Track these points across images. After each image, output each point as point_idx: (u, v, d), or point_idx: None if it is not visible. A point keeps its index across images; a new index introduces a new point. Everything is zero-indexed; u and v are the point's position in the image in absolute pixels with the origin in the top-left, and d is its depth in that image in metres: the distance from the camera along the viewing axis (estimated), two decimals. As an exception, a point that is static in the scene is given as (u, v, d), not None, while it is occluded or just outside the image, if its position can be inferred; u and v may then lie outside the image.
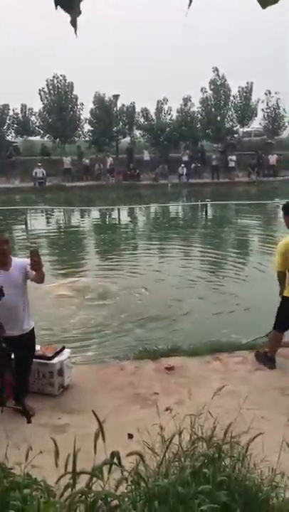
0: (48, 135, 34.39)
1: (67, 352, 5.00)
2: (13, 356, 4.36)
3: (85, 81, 52.39)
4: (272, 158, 30.92)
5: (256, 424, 3.06)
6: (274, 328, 5.33)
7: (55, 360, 4.77)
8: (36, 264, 4.06)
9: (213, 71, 33.75)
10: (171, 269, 10.85)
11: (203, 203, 19.83)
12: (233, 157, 30.34)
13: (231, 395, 4.24)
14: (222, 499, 2.04)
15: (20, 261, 4.39)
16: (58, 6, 1.11)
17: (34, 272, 4.19)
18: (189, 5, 1.26)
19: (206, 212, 19.00)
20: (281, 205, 5.41)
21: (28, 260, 4.20)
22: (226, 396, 4.09)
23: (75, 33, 1.15)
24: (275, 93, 35.05)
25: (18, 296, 4.30)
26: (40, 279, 4.29)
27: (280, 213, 5.59)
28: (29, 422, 4.08)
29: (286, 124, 37.00)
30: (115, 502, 1.92)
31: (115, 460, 1.96)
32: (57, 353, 4.87)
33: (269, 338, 5.50)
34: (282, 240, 5.29)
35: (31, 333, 4.53)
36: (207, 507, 1.95)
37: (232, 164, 30.21)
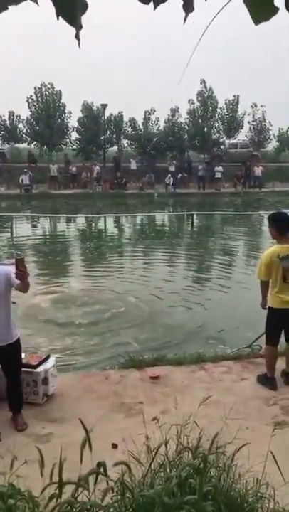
0: (35, 142, 34.35)
1: (52, 360, 4.96)
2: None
3: (73, 90, 52.56)
4: (258, 170, 31.29)
5: (241, 435, 3.07)
6: (266, 344, 5.23)
7: (40, 369, 4.72)
8: (22, 273, 3.96)
9: (201, 83, 34.21)
10: (157, 278, 10.85)
11: (189, 213, 19.92)
12: (220, 168, 30.62)
13: (216, 404, 4.25)
14: (208, 510, 2.04)
15: (2, 268, 4.22)
16: (60, 17, 1.12)
17: (18, 281, 4.05)
18: (184, 20, 1.28)
19: (192, 222, 19.10)
20: (266, 216, 5.42)
21: (11, 268, 4.06)
22: (212, 406, 4.10)
23: (79, 46, 1.17)
24: (261, 106, 35.65)
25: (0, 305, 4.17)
26: (24, 288, 4.12)
27: (265, 223, 5.62)
28: None
29: (271, 136, 37.65)
30: (101, 512, 1.91)
31: (102, 470, 1.95)
32: (42, 362, 4.82)
33: (264, 355, 5.37)
34: (267, 250, 5.32)
35: (15, 344, 4.35)
36: (193, 517, 1.94)
37: (218, 175, 30.48)
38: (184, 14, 1.30)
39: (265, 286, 5.12)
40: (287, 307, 4.97)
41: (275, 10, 1.17)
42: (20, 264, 3.91)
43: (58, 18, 1.12)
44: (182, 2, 1.29)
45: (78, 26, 1.15)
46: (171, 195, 28.61)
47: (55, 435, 4.08)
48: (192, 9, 1.29)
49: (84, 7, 1.13)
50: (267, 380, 5.11)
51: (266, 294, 5.13)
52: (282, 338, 5.21)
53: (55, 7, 1.10)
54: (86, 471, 2.00)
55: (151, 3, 1.22)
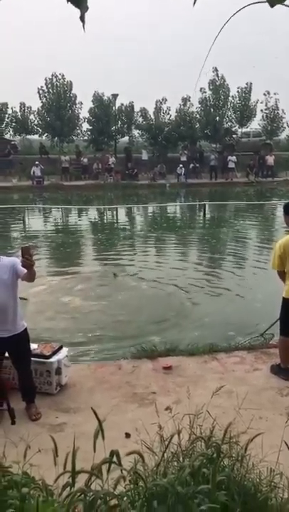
0: (46, 134, 34.31)
1: (65, 351, 4.98)
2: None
3: (84, 80, 52.43)
4: (271, 159, 30.96)
5: (255, 425, 3.06)
6: (281, 334, 5.19)
7: (53, 359, 4.75)
8: (28, 261, 3.96)
9: (213, 71, 33.79)
10: (169, 268, 10.83)
11: (201, 203, 19.82)
12: (233, 158, 30.33)
13: (229, 394, 4.24)
14: (221, 499, 2.03)
15: (8, 260, 4.22)
16: (69, 2, 1.10)
17: (25, 271, 4.02)
18: (194, 4, 1.25)
19: (204, 212, 19.00)
20: (279, 206, 5.36)
21: (17, 259, 4.06)
22: (224, 396, 4.09)
23: (83, 28, 1.15)
24: (274, 94, 35.12)
25: (6, 296, 4.14)
26: (31, 277, 4.09)
27: (279, 213, 5.56)
28: (13, 423, 4.01)
29: (284, 125, 37.12)
30: (114, 501, 1.91)
31: (115, 459, 1.95)
32: (55, 352, 4.85)
33: (278, 345, 5.33)
34: (279, 239, 5.26)
35: (23, 335, 4.34)
36: (206, 507, 1.94)
37: (231, 165, 30.19)
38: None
39: (282, 275, 5.07)
40: None
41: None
42: (25, 252, 3.91)
43: (67, 2, 1.10)
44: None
45: (84, 8, 1.12)
46: (183, 186, 28.47)
47: (69, 425, 4.11)
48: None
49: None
50: (281, 370, 5.08)
51: (284, 280, 5.07)
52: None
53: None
54: (99, 460, 2.01)
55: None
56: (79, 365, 5.55)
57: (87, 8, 1.14)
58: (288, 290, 5.01)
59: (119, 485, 1.98)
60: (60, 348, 4.98)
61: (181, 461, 2.30)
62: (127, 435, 3.79)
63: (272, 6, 1.14)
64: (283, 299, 5.08)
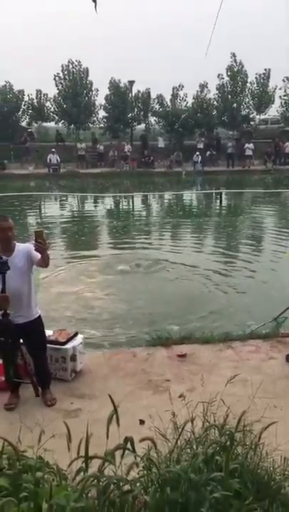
0: (62, 121, 34.21)
1: (80, 337, 5.02)
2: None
3: (100, 67, 51.95)
4: (289, 147, 30.45)
5: (269, 413, 3.05)
6: None
7: (68, 346, 4.79)
8: (41, 245, 3.96)
9: (231, 57, 33.23)
10: (186, 257, 10.79)
11: (217, 191, 19.65)
12: (251, 145, 29.91)
13: (244, 383, 4.22)
14: (234, 487, 2.04)
15: (23, 246, 4.24)
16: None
17: (39, 256, 4.05)
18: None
19: (221, 200, 18.84)
20: None
21: (31, 245, 4.07)
22: (239, 384, 4.08)
23: (95, 9, 1.13)
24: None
25: (21, 282, 4.17)
26: (45, 262, 4.12)
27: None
28: (37, 395, 4.19)
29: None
30: (127, 487, 1.93)
31: (128, 445, 1.96)
32: (70, 339, 4.88)
33: None
34: None
35: (37, 321, 4.38)
36: (219, 494, 1.94)
37: (249, 152, 29.77)
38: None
39: None
40: None
41: None
42: (39, 237, 3.92)
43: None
44: None
45: None
46: (200, 174, 28.22)
47: (84, 411, 4.15)
48: None
49: None
50: None
51: None
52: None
53: None
54: (113, 446, 2.02)
55: None
56: (94, 352, 5.59)
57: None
58: None
59: (132, 471, 1.99)
60: (76, 334, 5.02)
61: (195, 448, 2.31)
62: (141, 422, 3.81)
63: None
64: None
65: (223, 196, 19.18)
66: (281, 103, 34.88)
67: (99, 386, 4.60)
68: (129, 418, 3.68)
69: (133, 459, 2.02)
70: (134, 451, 2.00)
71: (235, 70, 33.37)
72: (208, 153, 30.62)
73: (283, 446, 2.49)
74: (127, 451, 2.02)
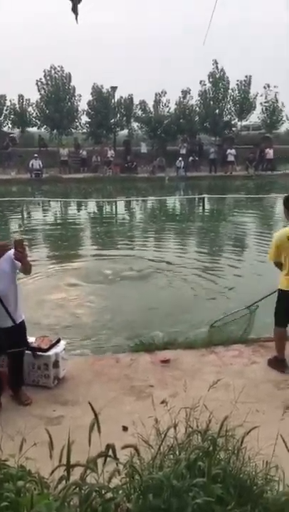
0: (45, 126, 34.13)
1: (62, 344, 4.99)
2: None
3: (83, 72, 52.00)
4: (270, 152, 30.86)
5: (251, 418, 3.06)
6: (275, 325, 5.25)
7: (51, 352, 4.75)
8: (20, 253, 3.99)
9: (213, 64, 33.61)
10: (170, 261, 10.81)
11: (200, 196, 19.77)
12: (233, 151, 30.23)
13: (226, 388, 4.24)
14: (217, 492, 2.04)
15: (8, 252, 4.27)
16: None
17: (20, 263, 4.14)
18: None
19: (204, 205, 18.97)
20: (279, 199, 5.38)
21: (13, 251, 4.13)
22: (221, 389, 4.10)
23: (76, 20, 1.14)
24: (274, 87, 34.92)
25: (8, 286, 4.24)
26: (26, 269, 4.24)
27: (278, 207, 5.56)
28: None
29: (284, 118, 36.95)
30: (109, 494, 1.92)
31: (110, 453, 1.95)
32: (52, 345, 4.85)
33: (274, 337, 5.37)
34: (279, 231, 5.29)
35: (20, 326, 4.44)
36: (201, 500, 1.94)
37: (231, 158, 30.09)
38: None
39: (279, 265, 5.13)
40: None
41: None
42: (18, 245, 3.94)
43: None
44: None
45: (76, 0, 1.11)
46: (182, 179, 28.37)
47: (66, 418, 4.12)
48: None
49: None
50: (277, 363, 5.13)
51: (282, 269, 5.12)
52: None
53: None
54: (96, 453, 2.01)
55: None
56: (77, 358, 5.57)
57: (79, 0, 1.12)
58: (283, 281, 5.08)
59: (114, 478, 1.98)
60: (58, 341, 4.99)
61: (177, 454, 2.31)
62: (124, 428, 3.80)
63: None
64: (278, 290, 5.15)
65: (206, 201, 19.31)
66: (262, 109, 35.45)
67: (82, 392, 4.58)
68: (112, 424, 3.66)
69: (115, 466, 2.01)
70: (116, 458, 1.99)
71: (217, 76, 33.75)
72: (190, 158, 30.85)
73: (265, 451, 2.50)
74: (109, 459, 2.01)
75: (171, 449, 2.36)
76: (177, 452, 2.34)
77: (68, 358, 5.10)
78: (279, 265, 5.12)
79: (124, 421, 3.86)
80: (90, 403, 2.14)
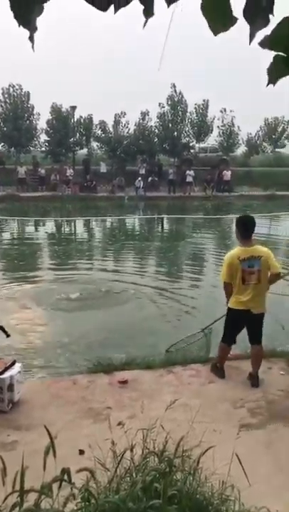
0: (2, 144, 33.81)
1: (18, 366, 4.87)
2: None
3: (41, 91, 51.86)
4: (228, 174, 31.71)
5: (208, 437, 3.09)
6: (221, 341, 5.47)
7: (5, 375, 4.64)
8: None
9: (171, 87, 34.45)
10: (126, 281, 10.83)
11: (159, 216, 20.02)
12: (191, 172, 30.87)
13: (184, 407, 4.26)
14: (172, 514, 2.04)
15: None
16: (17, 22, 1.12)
17: None
18: (144, 25, 1.29)
19: (162, 225, 19.20)
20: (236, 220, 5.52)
21: None
22: (179, 409, 4.11)
23: (32, 48, 1.17)
24: (230, 111, 36.12)
25: None
26: None
27: (234, 227, 5.69)
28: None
29: (240, 141, 38.23)
30: (64, 520, 1.89)
31: (65, 477, 1.92)
32: (7, 368, 4.73)
33: (218, 349, 5.58)
34: (229, 252, 5.43)
35: None
36: (157, 522, 1.94)
37: (190, 179, 30.70)
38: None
39: (228, 287, 5.28)
40: (241, 308, 5.18)
41: (233, 20, 1.19)
42: None
43: (18, 26, 1.12)
44: (143, 7, 1.30)
45: (33, 28, 1.14)
46: (142, 199, 28.66)
47: (21, 443, 4.01)
48: (152, 14, 1.30)
49: (40, 10, 1.12)
50: (217, 370, 5.44)
51: (230, 294, 5.28)
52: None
53: (12, 10, 1.09)
54: (51, 478, 1.98)
55: (111, 7, 1.22)
56: (33, 381, 5.45)
57: (36, 28, 1.16)
58: (232, 300, 5.25)
59: (69, 503, 1.95)
60: (13, 363, 4.88)
61: (134, 476, 2.30)
62: (81, 452, 3.74)
63: (215, 34, 1.19)
64: (228, 308, 5.35)
65: (165, 221, 19.55)
66: (219, 133, 36.54)
67: (37, 416, 4.48)
68: (69, 448, 3.60)
69: (70, 490, 1.98)
70: (71, 482, 1.97)
71: (176, 99, 34.57)
72: (150, 179, 31.25)
73: (221, 470, 2.52)
74: (64, 483, 1.99)
75: (128, 472, 2.35)
76: (134, 474, 2.33)
77: (23, 380, 4.99)
78: (228, 286, 5.25)
79: (80, 444, 3.80)
80: (45, 427, 2.12)
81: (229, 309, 5.32)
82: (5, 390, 4.57)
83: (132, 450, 2.41)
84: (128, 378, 5.27)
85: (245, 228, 5.22)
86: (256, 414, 4.59)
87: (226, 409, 4.67)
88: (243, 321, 5.27)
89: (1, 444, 4.01)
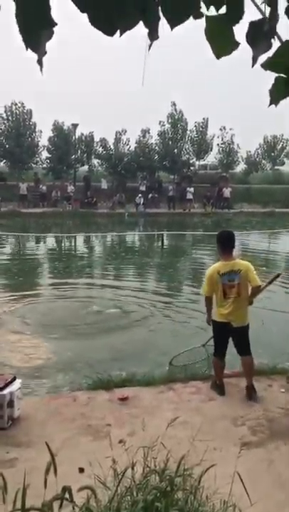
0: (4, 160, 34.10)
1: (18, 382, 4.85)
2: None
3: (44, 109, 52.59)
4: (227, 191, 31.93)
5: (208, 456, 3.06)
6: (214, 355, 5.53)
7: (5, 391, 4.61)
8: None
9: (171, 106, 34.91)
10: (126, 297, 10.81)
11: (159, 232, 20.08)
12: (191, 189, 31.12)
13: (184, 425, 4.23)
14: (174, 533, 2.02)
15: None
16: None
17: None
18: (149, 48, 1.32)
19: (163, 241, 19.25)
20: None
21: None
22: (179, 427, 4.08)
23: (41, 71, 1.20)
24: (230, 129, 36.56)
25: None
26: None
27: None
28: None
29: (239, 158, 38.60)
30: (65, 539, 1.87)
31: (67, 495, 1.91)
32: (7, 384, 4.71)
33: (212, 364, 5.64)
34: (210, 267, 5.46)
35: None
36: None
37: (190, 196, 30.94)
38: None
39: (208, 301, 5.38)
40: (224, 320, 5.25)
41: (235, 44, 1.22)
42: None
43: (26, 49, 1.15)
44: (147, 30, 1.34)
45: (42, 53, 1.17)
46: (142, 215, 28.79)
47: (20, 460, 3.97)
48: (157, 37, 1.34)
49: (50, 35, 1.15)
50: (216, 387, 5.41)
51: (210, 308, 5.39)
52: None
53: (21, 34, 1.12)
54: (51, 496, 1.96)
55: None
56: (32, 398, 5.42)
57: (45, 52, 1.19)
58: (215, 313, 5.32)
59: (70, 522, 1.93)
60: (14, 379, 4.86)
61: (135, 495, 2.28)
62: (81, 470, 3.70)
63: (218, 58, 1.22)
64: (213, 321, 5.41)
65: (165, 237, 19.61)
66: (218, 150, 36.92)
67: (37, 433, 4.44)
68: (69, 466, 3.57)
69: (72, 509, 1.97)
70: (72, 500, 1.95)
71: (176, 117, 34.99)
72: (150, 195, 31.47)
73: (222, 489, 2.49)
74: (65, 501, 1.97)
75: (129, 490, 2.33)
76: (135, 493, 2.31)
77: (23, 397, 4.96)
78: (208, 300, 5.35)
79: (80, 462, 3.76)
80: (47, 444, 2.10)
81: (214, 321, 5.40)
82: (5, 406, 4.53)
83: (132, 468, 2.39)
84: (128, 395, 5.24)
85: (223, 243, 5.35)
86: (257, 432, 4.55)
87: (226, 427, 4.63)
88: (227, 333, 5.33)
89: (0, 461, 3.97)
